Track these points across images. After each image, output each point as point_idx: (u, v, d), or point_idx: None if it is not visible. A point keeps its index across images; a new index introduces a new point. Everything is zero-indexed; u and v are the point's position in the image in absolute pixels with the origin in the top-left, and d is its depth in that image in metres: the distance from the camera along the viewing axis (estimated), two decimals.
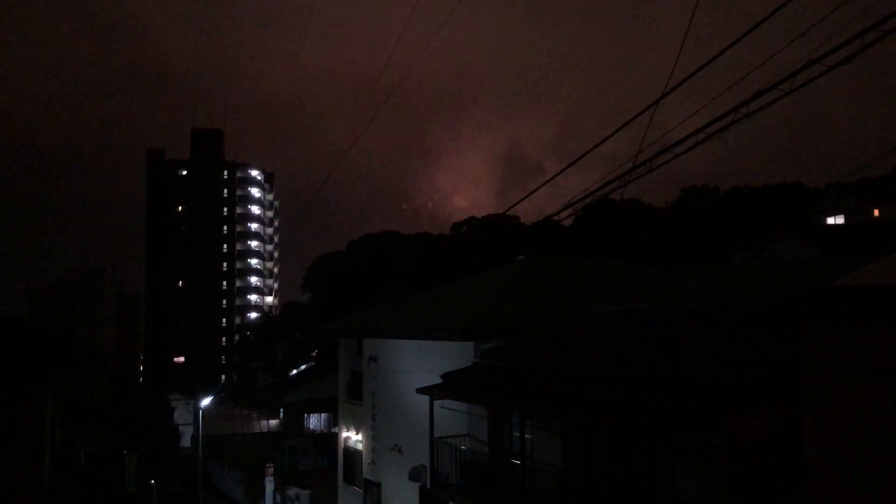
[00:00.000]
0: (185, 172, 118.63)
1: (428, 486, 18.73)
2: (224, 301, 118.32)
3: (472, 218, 77.87)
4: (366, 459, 24.63)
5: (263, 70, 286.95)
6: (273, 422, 52.86)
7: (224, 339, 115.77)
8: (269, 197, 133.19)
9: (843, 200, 46.44)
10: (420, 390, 17.83)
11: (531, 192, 10.83)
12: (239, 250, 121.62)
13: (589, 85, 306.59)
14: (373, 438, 24.03)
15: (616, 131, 8.78)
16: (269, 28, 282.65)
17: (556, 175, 10.19)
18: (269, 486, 34.43)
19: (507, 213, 62.64)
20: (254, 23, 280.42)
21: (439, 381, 17.99)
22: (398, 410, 22.18)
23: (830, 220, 46.55)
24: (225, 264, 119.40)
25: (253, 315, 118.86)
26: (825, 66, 6.38)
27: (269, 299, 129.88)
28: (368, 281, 64.65)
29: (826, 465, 10.15)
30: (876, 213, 45.14)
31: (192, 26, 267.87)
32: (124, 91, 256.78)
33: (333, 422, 38.96)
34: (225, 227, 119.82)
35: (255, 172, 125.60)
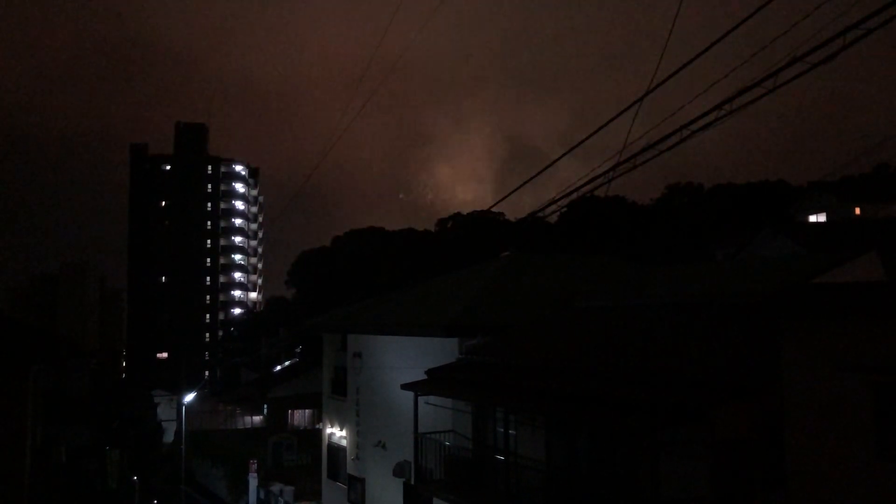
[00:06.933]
0: (168, 167, 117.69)
1: (412, 481, 18.78)
2: (207, 297, 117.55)
3: (458, 214, 77.80)
4: (350, 455, 24.63)
5: (250, 58, 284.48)
6: (257, 418, 52.62)
7: (207, 334, 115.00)
8: (254, 192, 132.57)
9: (825, 198, 46.78)
10: (405, 386, 17.85)
11: (514, 190, 10.85)
12: (223, 246, 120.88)
13: (599, 72, 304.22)
14: (357, 434, 24.02)
15: (600, 129, 8.81)
16: (256, 13, 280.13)
17: (540, 172, 10.22)
18: (253, 482, 34.36)
19: (493, 209, 62.76)
20: (239, 8, 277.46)
21: (424, 377, 18.01)
22: (382, 406, 22.17)
23: (812, 218, 46.83)
24: (208, 260, 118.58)
25: (237, 311, 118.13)
26: (808, 63, 6.43)
27: (253, 295, 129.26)
28: (353, 277, 64.46)
29: (807, 460, 10.26)
30: (857, 211, 45.51)
31: (176, 13, 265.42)
32: (107, 83, 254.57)
33: (318, 418, 38.88)
34: (209, 223, 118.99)
35: (239, 167, 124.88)
